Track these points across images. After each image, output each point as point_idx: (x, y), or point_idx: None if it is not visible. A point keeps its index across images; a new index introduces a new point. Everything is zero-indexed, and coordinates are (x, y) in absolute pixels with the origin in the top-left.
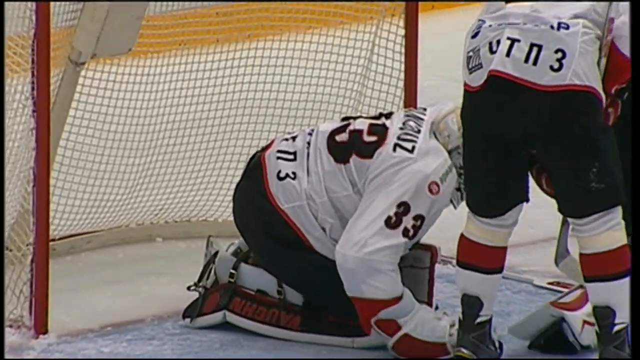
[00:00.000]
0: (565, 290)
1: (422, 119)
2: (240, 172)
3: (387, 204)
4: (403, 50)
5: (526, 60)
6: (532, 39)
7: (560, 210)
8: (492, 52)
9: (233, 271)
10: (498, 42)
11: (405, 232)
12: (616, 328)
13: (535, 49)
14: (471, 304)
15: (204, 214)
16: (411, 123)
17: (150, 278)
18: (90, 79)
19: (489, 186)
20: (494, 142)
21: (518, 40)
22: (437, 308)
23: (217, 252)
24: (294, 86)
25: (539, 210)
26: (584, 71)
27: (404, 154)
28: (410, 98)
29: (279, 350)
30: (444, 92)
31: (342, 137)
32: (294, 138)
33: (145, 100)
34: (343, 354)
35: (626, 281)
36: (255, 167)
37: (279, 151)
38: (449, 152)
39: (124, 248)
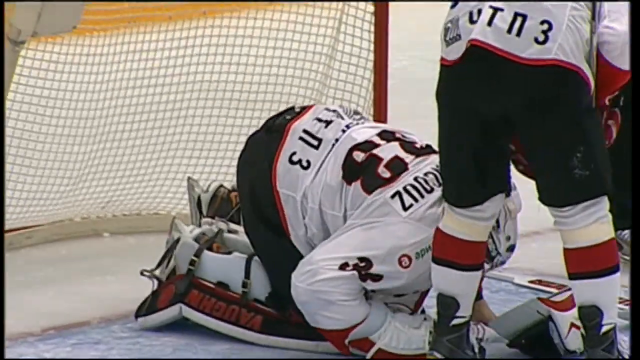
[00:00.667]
0: (549, 289)
1: None
2: (196, 161)
3: (351, 252)
4: (372, 28)
5: (509, 31)
6: (516, 8)
7: (540, 198)
8: (472, 22)
9: (194, 258)
10: (479, 11)
11: (360, 276)
12: (604, 329)
13: (519, 19)
14: (446, 304)
15: (156, 207)
16: (432, 177)
17: (96, 277)
18: (31, 59)
19: (466, 172)
20: (471, 123)
21: (501, 10)
22: (423, 312)
23: (179, 238)
24: (253, 67)
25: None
26: (572, 48)
27: (397, 208)
28: (380, 80)
29: (237, 355)
30: (416, 73)
31: (360, 156)
32: (327, 123)
33: (90, 83)
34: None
35: (614, 278)
36: (276, 132)
37: (305, 131)
38: None
39: (68, 244)
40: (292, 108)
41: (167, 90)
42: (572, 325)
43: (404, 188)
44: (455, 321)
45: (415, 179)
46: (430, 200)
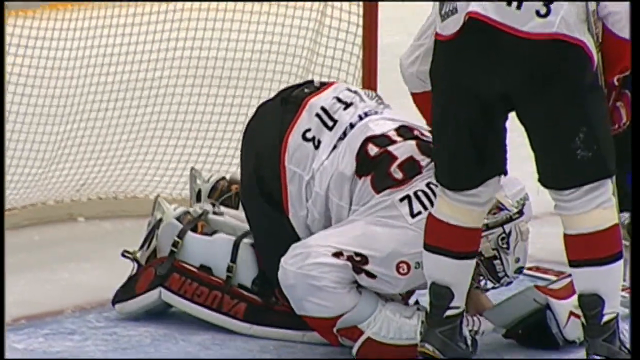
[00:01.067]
0: (546, 276)
1: None
2: (175, 141)
3: (349, 244)
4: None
5: (509, 3)
6: None
7: (540, 180)
8: None
9: (177, 239)
10: None
11: (354, 269)
12: (605, 319)
13: None
14: (440, 294)
15: (133, 190)
16: None
17: (70, 263)
18: None
19: (462, 152)
20: (469, 100)
21: None
22: (417, 303)
23: (162, 218)
24: (236, 43)
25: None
26: (575, 22)
27: (404, 213)
28: (369, 57)
29: (219, 345)
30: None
31: (374, 150)
32: (347, 106)
33: (65, 59)
34: (292, 350)
35: (617, 266)
36: (293, 104)
37: (323, 109)
38: None
39: (41, 229)
40: (312, 82)
41: (146, 67)
42: (571, 314)
43: (415, 193)
44: (449, 312)
45: (428, 185)
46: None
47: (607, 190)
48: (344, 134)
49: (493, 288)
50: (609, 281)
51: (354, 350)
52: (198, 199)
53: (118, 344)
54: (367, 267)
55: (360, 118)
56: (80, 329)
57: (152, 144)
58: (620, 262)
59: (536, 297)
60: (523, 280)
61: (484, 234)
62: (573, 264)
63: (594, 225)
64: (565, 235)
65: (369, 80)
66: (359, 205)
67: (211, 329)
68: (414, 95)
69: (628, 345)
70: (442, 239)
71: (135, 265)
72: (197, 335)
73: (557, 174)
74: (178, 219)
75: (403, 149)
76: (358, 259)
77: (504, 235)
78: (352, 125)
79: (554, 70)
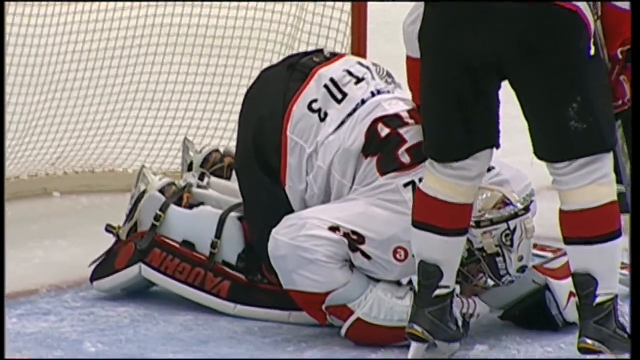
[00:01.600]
0: (544, 253)
1: None
2: (155, 113)
3: (347, 221)
4: None
5: None
6: None
7: (535, 152)
8: None
9: (159, 213)
10: None
11: (350, 246)
12: (598, 300)
13: None
14: (428, 272)
15: (111, 163)
16: None
17: (45, 240)
18: None
19: (450, 122)
20: (458, 67)
21: None
22: (410, 283)
23: (145, 190)
24: (219, 10)
25: (512, 159)
26: None
27: (407, 198)
28: (358, 23)
29: (201, 326)
30: (400, 15)
31: (384, 131)
32: (358, 80)
33: (38, 25)
34: (277, 331)
35: (613, 245)
36: (300, 72)
37: (332, 80)
38: None
39: (14, 204)
40: (321, 51)
41: (124, 34)
42: (572, 294)
43: (420, 180)
44: (437, 291)
45: None
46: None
47: (604, 165)
48: (354, 109)
49: (494, 286)
50: (604, 261)
51: (343, 331)
52: (189, 170)
53: (95, 325)
54: (363, 247)
55: (373, 95)
56: (55, 309)
57: (130, 115)
58: (618, 242)
59: (535, 278)
60: None
61: (487, 229)
62: (567, 241)
63: (588, 201)
64: (560, 211)
65: (358, 47)
66: (361, 185)
67: (193, 309)
68: (409, 60)
69: (628, 330)
70: (430, 215)
71: (116, 236)
72: (178, 315)
73: (549, 145)
74: (161, 191)
75: (413, 133)
76: (355, 237)
77: (508, 231)
78: (363, 102)
79: (546, 35)
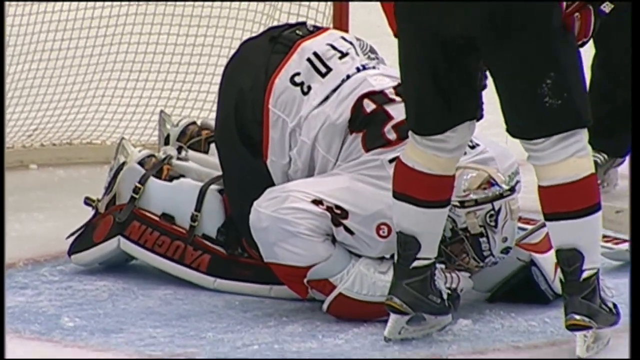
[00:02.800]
0: (529, 226)
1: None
2: (134, 85)
3: (330, 196)
4: None
5: None
6: None
7: (508, 130)
8: None
9: (139, 185)
10: None
11: (333, 220)
12: (585, 275)
13: None
14: (406, 243)
15: (89, 136)
16: None
17: (22, 213)
18: None
19: (426, 95)
20: (432, 41)
21: None
22: (392, 257)
23: (125, 162)
24: None
25: (495, 130)
26: None
27: (392, 174)
28: None
29: (181, 300)
30: None
31: (370, 107)
32: (343, 55)
33: None
34: (258, 305)
35: (595, 218)
36: (282, 44)
37: (315, 54)
38: None
39: None
40: (304, 24)
41: (102, 4)
42: (557, 266)
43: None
44: (416, 263)
45: None
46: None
47: (581, 138)
48: (340, 84)
49: (477, 267)
50: (588, 234)
51: (325, 306)
52: (167, 143)
53: (74, 299)
54: (346, 222)
55: (358, 70)
56: (33, 283)
57: (109, 86)
58: (599, 214)
59: (519, 255)
60: None
61: (471, 209)
62: (548, 217)
63: (568, 176)
64: (539, 187)
65: (340, 17)
66: (345, 161)
67: (173, 283)
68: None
69: (609, 304)
70: (409, 187)
71: (94, 213)
72: (157, 289)
73: (524, 123)
74: (141, 163)
75: (400, 110)
76: (338, 211)
77: (492, 212)
78: (348, 77)
79: (517, 10)
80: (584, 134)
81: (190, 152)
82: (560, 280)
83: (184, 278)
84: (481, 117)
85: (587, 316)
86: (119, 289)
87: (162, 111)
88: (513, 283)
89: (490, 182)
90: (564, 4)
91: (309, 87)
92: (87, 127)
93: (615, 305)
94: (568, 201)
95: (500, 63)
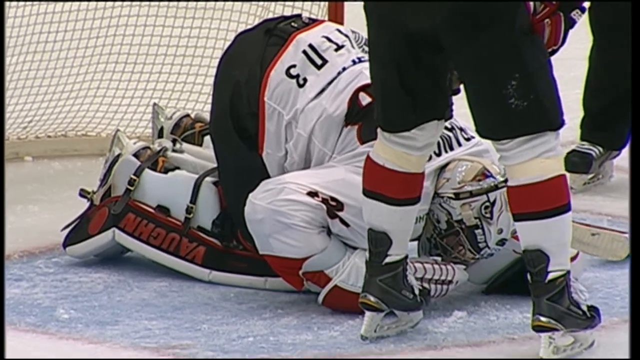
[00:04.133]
0: None
1: (452, 146)
2: (129, 77)
3: (326, 188)
4: None
5: None
6: None
7: (477, 130)
8: None
9: (134, 177)
10: None
11: (328, 212)
12: (550, 276)
13: None
14: (377, 240)
15: (84, 128)
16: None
17: (17, 206)
18: None
19: (391, 92)
20: (396, 37)
21: None
22: None
23: (120, 154)
24: None
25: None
26: None
27: None
28: None
29: (176, 292)
30: None
31: (366, 100)
32: (338, 47)
33: None
34: (253, 297)
35: (563, 219)
36: (278, 36)
37: (311, 46)
38: (434, 196)
39: None
40: (299, 16)
41: None
42: None
43: None
44: (388, 259)
45: None
46: (425, 172)
47: (550, 139)
48: (335, 77)
49: (473, 259)
50: (554, 236)
51: (320, 298)
52: (160, 136)
53: (69, 291)
54: (342, 214)
55: (354, 63)
56: (28, 275)
57: (104, 78)
58: (568, 215)
59: (515, 248)
60: None
61: (466, 201)
62: (515, 217)
63: (534, 176)
64: (508, 187)
65: (335, 10)
66: (340, 154)
67: (168, 276)
68: None
69: (583, 307)
70: (378, 184)
71: (89, 204)
72: (153, 282)
73: (491, 123)
74: (136, 155)
75: None
76: (333, 203)
77: (487, 204)
78: (344, 69)
79: (481, 10)
80: (553, 136)
81: (185, 145)
82: (527, 282)
83: (179, 270)
84: (450, 117)
85: (553, 319)
86: (114, 281)
87: (155, 104)
88: (508, 275)
89: (484, 174)
90: (531, 5)
91: (305, 80)
92: (82, 119)
93: (592, 308)
94: (534, 202)
95: (466, 63)
